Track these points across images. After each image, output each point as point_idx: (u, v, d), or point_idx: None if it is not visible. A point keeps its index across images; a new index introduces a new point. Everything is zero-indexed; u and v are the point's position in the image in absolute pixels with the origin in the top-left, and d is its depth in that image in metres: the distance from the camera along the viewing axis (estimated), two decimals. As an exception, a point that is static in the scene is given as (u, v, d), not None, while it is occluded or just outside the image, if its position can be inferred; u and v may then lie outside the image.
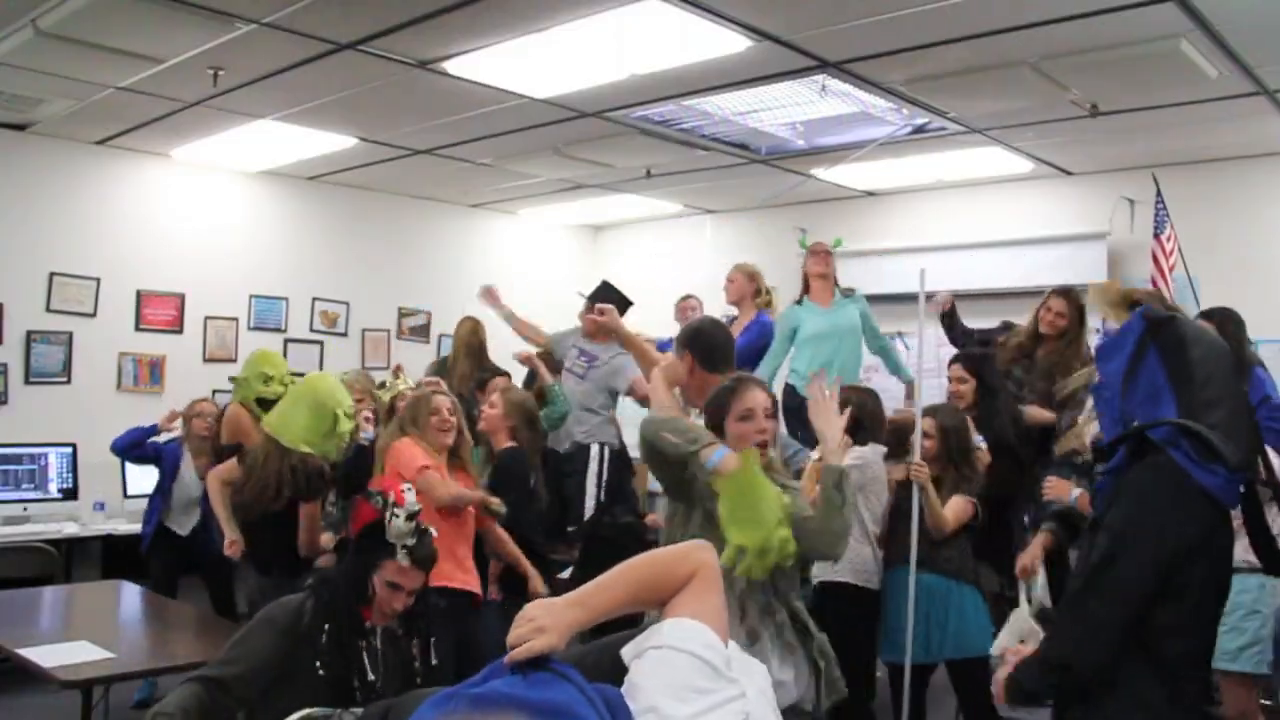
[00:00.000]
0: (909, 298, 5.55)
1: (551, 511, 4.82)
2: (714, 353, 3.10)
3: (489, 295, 5.76)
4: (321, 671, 2.54)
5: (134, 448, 5.35)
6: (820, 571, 3.91)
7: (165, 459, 5.29)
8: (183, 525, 5.19)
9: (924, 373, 4.26)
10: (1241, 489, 2.04)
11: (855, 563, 3.88)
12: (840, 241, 5.73)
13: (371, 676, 2.59)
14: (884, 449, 4.02)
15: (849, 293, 5.47)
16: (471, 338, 5.83)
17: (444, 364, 6.09)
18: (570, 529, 5.18)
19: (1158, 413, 2.00)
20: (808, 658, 2.68)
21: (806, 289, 5.46)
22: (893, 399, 5.28)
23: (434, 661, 2.75)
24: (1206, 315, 4.37)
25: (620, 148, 6.13)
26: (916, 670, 3.83)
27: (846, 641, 3.99)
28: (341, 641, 2.58)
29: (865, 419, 3.97)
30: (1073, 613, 2.04)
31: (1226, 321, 3.56)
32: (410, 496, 2.79)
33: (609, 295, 5.01)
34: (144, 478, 5.82)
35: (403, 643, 2.72)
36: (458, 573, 3.79)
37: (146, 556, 5.24)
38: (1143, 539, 1.94)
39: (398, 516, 2.63)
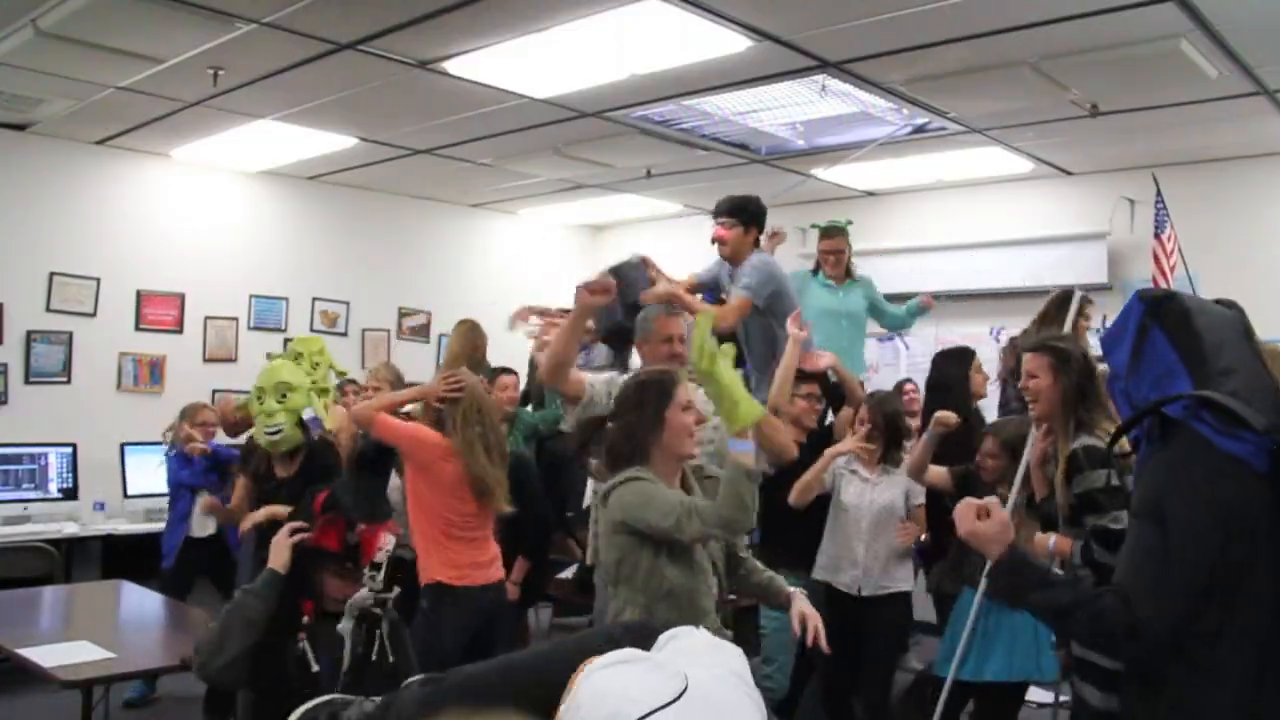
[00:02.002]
0: (909, 298, 5.59)
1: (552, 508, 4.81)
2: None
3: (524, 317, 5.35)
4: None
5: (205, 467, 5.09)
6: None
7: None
8: (201, 528, 5.04)
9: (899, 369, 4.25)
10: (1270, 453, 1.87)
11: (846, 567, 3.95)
12: (850, 222, 5.65)
13: (316, 668, 2.56)
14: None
15: (859, 278, 5.36)
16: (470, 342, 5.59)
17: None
18: (570, 514, 5.17)
19: (1173, 389, 1.90)
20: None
21: (819, 266, 5.34)
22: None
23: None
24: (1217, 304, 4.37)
25: (620, 148, 6.12)
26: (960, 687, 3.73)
27: (849, 647, 4.00)
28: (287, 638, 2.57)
29: (903, 426, 4.03)
30: (1133, 572, 1.81)
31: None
32: (387, 548, 2.69)
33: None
34: (144, 478, 5.81)
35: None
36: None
37: (172, 569, 5.03)
38: (1181, 494, 1.81)
39: (372, 579, 2.57)
